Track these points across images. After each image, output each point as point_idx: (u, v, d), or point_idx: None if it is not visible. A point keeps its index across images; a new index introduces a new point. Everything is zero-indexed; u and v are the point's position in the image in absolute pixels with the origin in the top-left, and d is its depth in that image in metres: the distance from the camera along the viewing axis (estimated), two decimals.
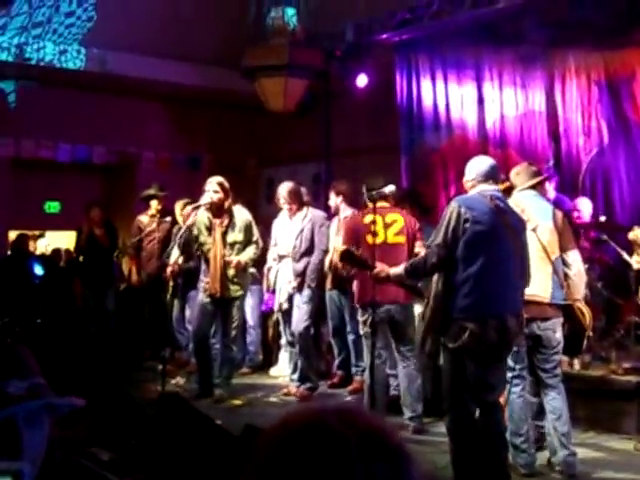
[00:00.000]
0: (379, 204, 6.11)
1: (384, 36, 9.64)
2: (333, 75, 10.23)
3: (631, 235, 6.58)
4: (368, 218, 6.21)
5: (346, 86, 10.15)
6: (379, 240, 6.13)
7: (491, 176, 4.79)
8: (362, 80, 10.00)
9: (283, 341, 8.38)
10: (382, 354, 6.40)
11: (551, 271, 5.29)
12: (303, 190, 8.19)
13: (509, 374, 5.13)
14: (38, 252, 12.48)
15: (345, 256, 5.28)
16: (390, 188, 6.87)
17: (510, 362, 5.06)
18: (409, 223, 6.47)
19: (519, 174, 5.58)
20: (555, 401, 5.31)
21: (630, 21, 7.64)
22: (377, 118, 10.55)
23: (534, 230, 5.23)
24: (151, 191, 9.49)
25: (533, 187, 5.50)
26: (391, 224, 6.39)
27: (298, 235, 7.68)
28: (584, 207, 7.41)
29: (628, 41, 7.88)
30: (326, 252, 7.75)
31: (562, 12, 8.15)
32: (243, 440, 4.79)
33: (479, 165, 4.86)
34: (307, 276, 7.64)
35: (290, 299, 7.72)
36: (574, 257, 5.39)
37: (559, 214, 5.45)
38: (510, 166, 8.08)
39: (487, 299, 4.56)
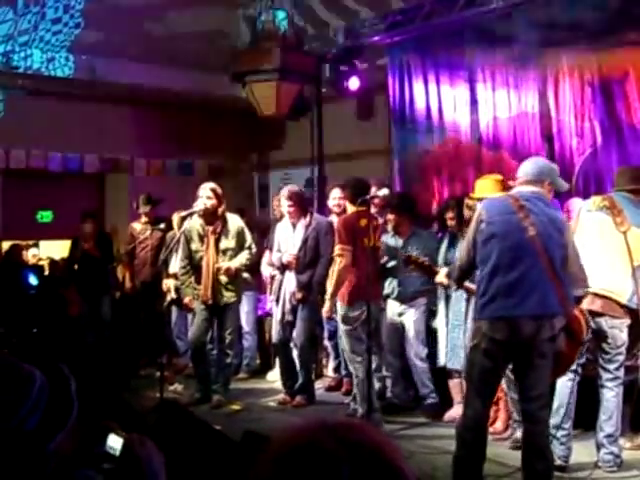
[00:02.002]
0: (363, 208, 6.67)
1: (375, 38, 9.64)
2: (325, 79, 10.22)
3: None
4: (362, 221, 6.69)
5: (338, 89, 10.14)
6: (371, 244, 6.66)
7: (534, 177, 4.75)
8: (354, 83, 9.99)
9: None
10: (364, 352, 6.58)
11: (631, 274, 5.33)
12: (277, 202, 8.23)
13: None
14: (30, 262, 12.39)
15: (409, 261, 5.57)
16: (384, 192, 6.95)
17: None
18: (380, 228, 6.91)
19: (622, 175, 5.71)
20: (610, 403, 5.39)
21: (623, 21, 7.64)
22: (369, 121, 10.54)
23: (625, 232, 5.32)
24: (138, 204, 9.50)
25: (631, 191, 5.55)
26: (375, 229, 6.76)
27: (302, 246, 7.46)
28: (576, 207, 7.42)
29: (621, 41, 7.87)
30: (331, 260, 7.37)
31: (554, 12, 8.16)
32: (243, 446, 4.76)
33: (524, 166, 4.88)
34: (312, 289, 7.45)
35: (293, 310, 7.54)
36: None
37: None
38: (503, 168, 8.18)
39: (496, 300, 4.55)
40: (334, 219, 7.63)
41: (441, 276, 6.12)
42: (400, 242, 7.17)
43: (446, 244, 6.77)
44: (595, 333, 5.27)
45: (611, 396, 5.42)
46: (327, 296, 6.89)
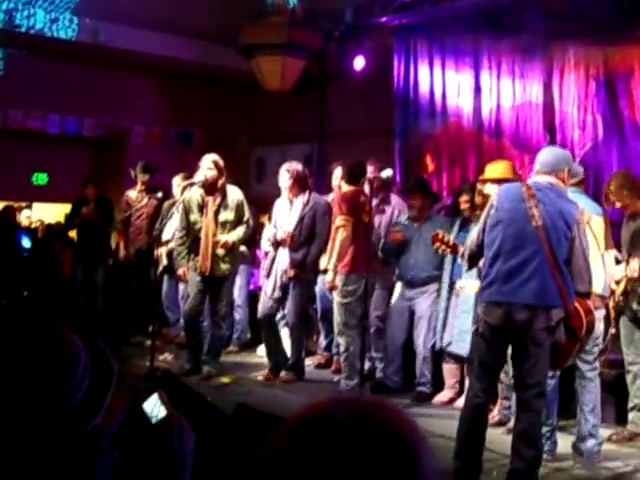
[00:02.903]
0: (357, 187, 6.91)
1: (383, 19, 9.60)
2: (330, 56, 10.18)
3: None
4: (361, 198, 6.98)
5: (343, 68, 10.11)
6: (367, 221, 6.82)
7: (551, 167, 4.79)
8: (359, 62, 9.96)
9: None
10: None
11: (601, 263, 5.39)
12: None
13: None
14: (23, 224, 12.35)
15: (436, 239, 5.60)
16: (387, 173, 6.97)
17: None
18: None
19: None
20: (591, 395, 5.47)
21: (632, 18, 7.64)
22: (372, 101, 10.51)
23: (588, 222, 5.33)
24: (136, 171, 9.46)
25: (575, 185, 5.59)
26: (371, 207, 6.86)
27: (298, 223, 7.40)
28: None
29: (629, 38, 7.89)
30: (326, 242, 7.33)
31: (563, 4, 8.15)
32: (235, 419, 4.78)
33: (541, 156, 4.92)
34: (305, 267, 7.41)
35: (284, 288, 7.48)
36: (609, 257, 5.55)
37: (605, 214, 5.60)
38: (504, 156, 8.20)
39: (494, 285, 4.63)
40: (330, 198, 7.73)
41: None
42: (415, 225, 7.16)
43: (457, 227, 6.77)
44: None
45: (592, 387, 5.50)
46: (330, 267, 6.98)
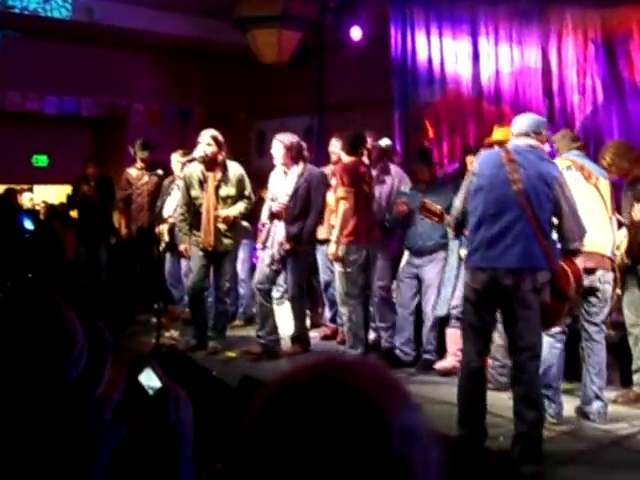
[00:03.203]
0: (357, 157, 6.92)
1: None
2: (327, 27, 10.12)
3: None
4: (362, 168, 6.96)
5: (340, 39, 10.05)
6: (369, 190, 6.87)
7: (527, 130, 4.82)
8: (356, 33, 9.91)
9: (275, 294, 8.43)
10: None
11: (609, 225, 5.47)
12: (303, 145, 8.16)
13: (555, 329, 5.28)
14: (25, 206, 12.36)
15: (423, 208, 5.63)
16: (385, 142, 6.97)
17: None
18: None
19: (563, 138, 5.84)
20: (598, 356, 5.50)
21: None
22: (370, 71, 10.47)
23: (595, 184, 5.43)
24: (135, 149, 9.46)
25: (577, 149, 5.70)
26: (371, 177, 6.94)
27: (292, 196, 7.29)
28: None
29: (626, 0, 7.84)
30: (322, 212, 7.41)
31: None
32: (240, 391, 4.82)
33: (519, 120, 4.96)
34: (302, 240, 7.33)
35: (281, 261, 7.41)
36: (614, 222, 5.65)
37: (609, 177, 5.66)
38: (504, 122, 8.15)
39: (479, 251, 4.68)
40: (329, 169, 7.75)
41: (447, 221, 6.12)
42: (419, 195, 7.12)
43: None
44: (587, 289, 5.35)
45: (599, 349, 5.53)
46: (333, 238, 6.98)
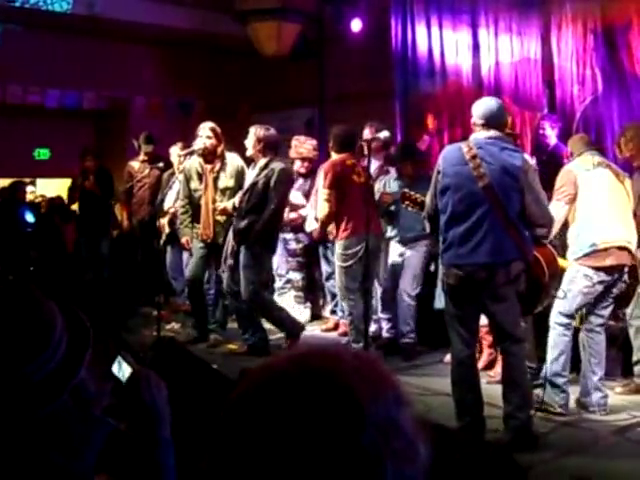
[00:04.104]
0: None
1: None
2: (327, 19, 10.10)
3: None
4: (349, 161, 6.88)
5: (340, 31, 10.04)
6: (363, 180, 6.68)
7: (490, 121, 4.79)
8: (356, 25, 9.89)
9: (277, 285, 8.46)
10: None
11: (635, 223, 5.53)
12: (296, 142, 8.12)
13: (565, 320, 5.38)
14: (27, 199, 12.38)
15: (404, 198, 5.69)
16: (384, 134, 6.96)
17: (567, 307, 5.35)
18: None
19: (579, 141, 5.90)
20: (599, 346, 5.54)
21: None
22: (371, 63, 10.45)
23: (622, 182, 5.53)
24: (140, 142, 9.45)
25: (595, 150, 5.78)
26: (363, 169, 6.75)
27: (248, 189, 6.96)
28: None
29: None
30: (280, 210, 7.16)
31: None
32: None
33: (478, 108, 4.90)
34: (250, 236, 6.89)
35: (234, 255, 7.04)
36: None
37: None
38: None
39: (451, 249, 4.75)
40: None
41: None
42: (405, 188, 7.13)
43: None
44: (610, 284, 5.44)
45: (601, 340, 5.56)
46: (319, 222, 7.04)
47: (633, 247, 5.51)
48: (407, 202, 5.64)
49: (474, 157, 4.66)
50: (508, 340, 4.80)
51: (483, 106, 4.88)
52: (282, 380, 0.97)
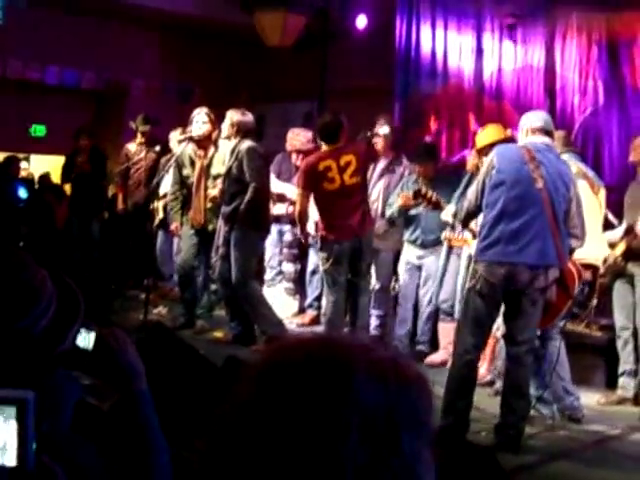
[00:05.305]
0: (332, 147, 6.46)
1: None
2: (332, 14, 10.09)
3: None
4: (322, 164, 6.47)
5: (345, 26, 10.03)
6: (336, 186, 6.43)
7: (546, 128, 4.91)
8: (362, 21, 9.89)
9: (267, 276, 8.43)
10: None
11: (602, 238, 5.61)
12: (291, 134, 8.07)
13: (554, 329, 5.33)
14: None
15: (418, 195, 5.75)
16: (384, 130, 6.91)
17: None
18: (362, 161, 6.59)
19: (559, 139, 5.84)
20: (562, 352, 5.46)
21: None
22: (373, 60, 10.45)
23: (597, 195, 5.61)
24: (137, 123, 9.41)
25: (572, 152, 5.85)
26: (345, 167, 6.46)
27: (225, 175, 6.92)
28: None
29: (632, 3, 7.87)
30: (263, 187, 6.89)
31: None
32: (225, 371, 4.83)
33: (534, 115, 5.07)
34: (237, 219, 6.79)
35: (225, 244, 6.98)
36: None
37: None
38: (504, 118, 8.19)
39: (498, 245, 4.72)
40: None
41: (446, 213, 6.06)
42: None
43: (463, 185, 6.53)
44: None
45: (562, 346, 5.46)
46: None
47: (599, 262, 5.55)
48: (421, 199, 5.67)
49: (533, 159, 4.72)
50: (523, 347, 4.79)
51: (539, 114, 5.10)
52: (294, 370, 0.96)
